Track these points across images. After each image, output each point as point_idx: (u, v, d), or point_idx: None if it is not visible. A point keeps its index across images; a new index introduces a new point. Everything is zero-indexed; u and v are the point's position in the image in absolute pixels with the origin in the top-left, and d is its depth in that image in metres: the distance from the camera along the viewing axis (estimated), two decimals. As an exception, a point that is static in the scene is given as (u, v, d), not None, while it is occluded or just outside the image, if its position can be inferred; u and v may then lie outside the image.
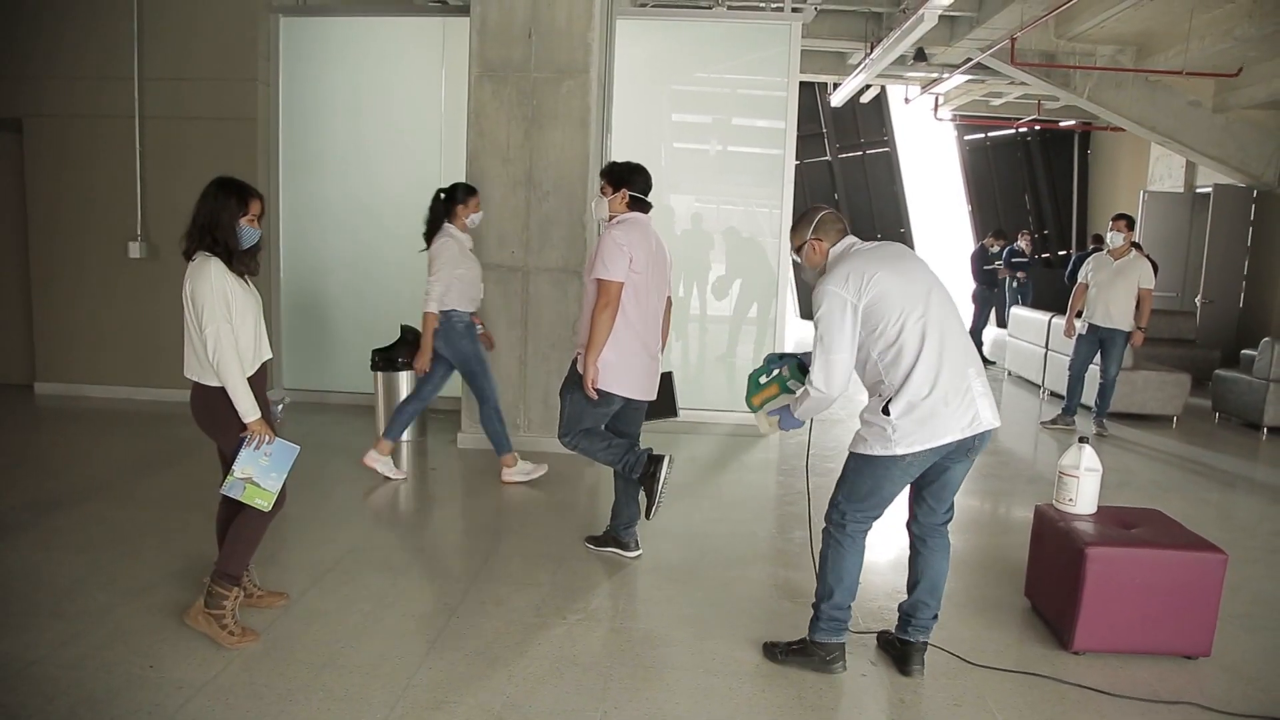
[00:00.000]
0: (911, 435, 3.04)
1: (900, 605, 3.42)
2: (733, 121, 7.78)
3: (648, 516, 4.25)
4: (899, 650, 3.39)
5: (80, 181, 7.35)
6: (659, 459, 4.16)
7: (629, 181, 4.17)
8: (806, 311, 15.61)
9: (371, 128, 7.45)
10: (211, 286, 3.20)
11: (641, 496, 4.31)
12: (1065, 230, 17.26)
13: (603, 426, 4.27)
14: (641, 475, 4.17)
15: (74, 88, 7.25)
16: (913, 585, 3.37)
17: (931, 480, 3.24)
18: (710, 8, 9.53)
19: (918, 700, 3.19)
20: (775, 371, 3.60)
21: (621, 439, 4.25)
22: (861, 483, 3.19)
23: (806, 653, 3.34)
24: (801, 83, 7.88)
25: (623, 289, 4.01)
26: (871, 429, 3.13)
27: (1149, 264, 7.51)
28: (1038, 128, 16.36)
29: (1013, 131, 17.10)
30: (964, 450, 3.13)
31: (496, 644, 3.46)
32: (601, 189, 4.23)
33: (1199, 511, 5.57)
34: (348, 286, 7.57)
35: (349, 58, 7.42)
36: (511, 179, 6.14)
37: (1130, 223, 7.55)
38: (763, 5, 9.82)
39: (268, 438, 3.32)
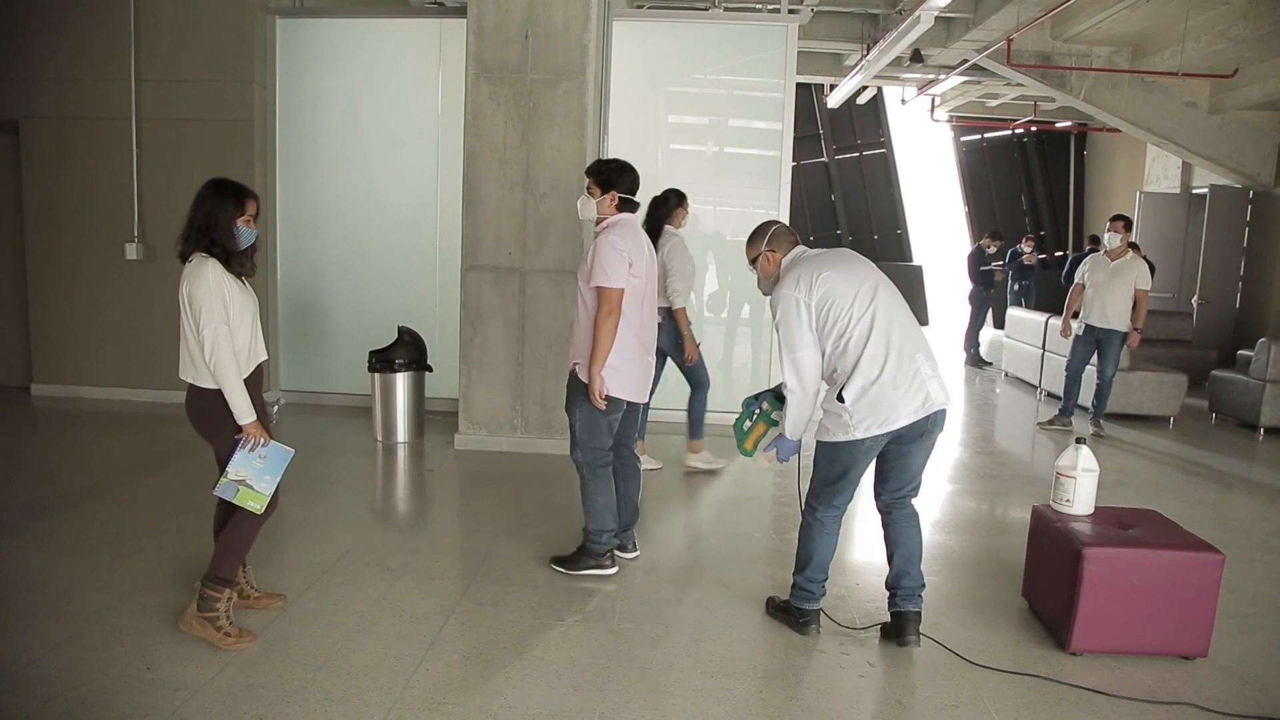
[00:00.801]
0: (867, 420, 3.27)
1: (886, 581, 3.61)
2: (729, 123, 7.78)
3: (555, 563, 4.23)
4: (894, 622, 3.55)
5: (76, 183, 7.34)
6: (610, 558, 4.18)
7: (616, 182, 4.03)
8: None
9: (368, 129, 7.44)
10: (209, 288, 3.19)
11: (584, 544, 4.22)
12: (1062, 231, 17.29)
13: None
14: (584, 546, 4.18)
15: (70, 89, 7.24)
16: (890, 556, 3.57)
17: (890, 462, 3.45)
18: (706, 9, 9.54)
19: (914, 701, 3.19)
20: (757, 411, 3.79)
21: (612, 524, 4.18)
22: (830, 469, 3.44)
23: (787, 611, 3.70)
24: (798, 84, 7.88)
25: (624, 296, 3.90)
26: (830, 417, 3.38)
27: (1146, 265, 7.52)
28: (1034, 129, 16.40)
29: (1009, 132, 17.13)
30: (918, 432, 3.33)
31: (493, 646, 3.46)
32: (588, 189, 4.07)
33: (1196, 512, 5.58)
34: (344, 288, 7.56)
35: (345, 59, 7.41)
36: (508, 180, 6.15)
37: (1128, 224, 7.56)
38: (759, 7, 9.85)
39: (263, 440, 3.31)
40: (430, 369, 6.64)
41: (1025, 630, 3.77)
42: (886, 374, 3.24)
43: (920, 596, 3.53)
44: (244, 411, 3.26)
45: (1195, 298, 11.58)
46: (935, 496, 5.77)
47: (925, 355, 3.34)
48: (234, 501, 3.31)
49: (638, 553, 4.40)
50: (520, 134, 6.12)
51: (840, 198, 17.44)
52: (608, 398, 3.97)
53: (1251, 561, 4.71)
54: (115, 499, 5.07)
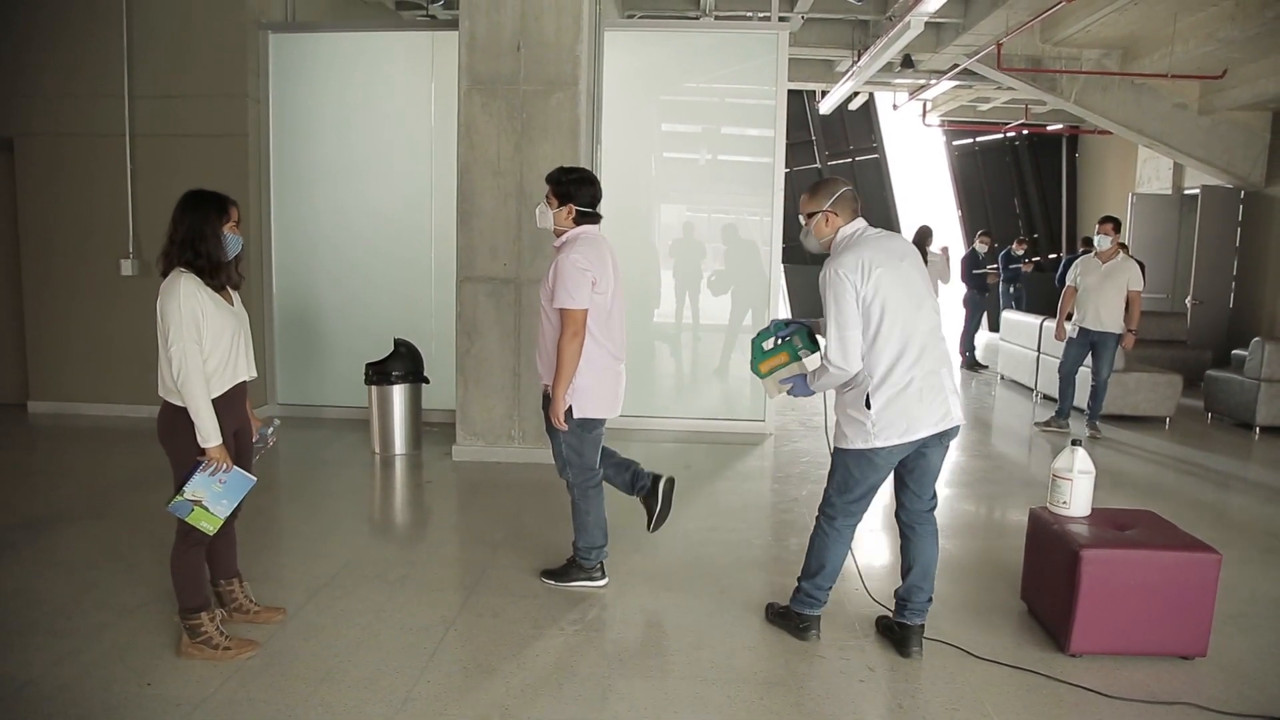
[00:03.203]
0: (889, 429, 3.27)
1: (896, 591, 3.60)
2: (722, 130, 7.81)
3: (545, 575, 4.23)
4: (898, 634, 3.56)
5: (72, 200, 7.34)
6: (600, 571, 4.18)
7: (574, 195, 3.89)
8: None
9: (362, 142, 7.45)
10: (180, 304, 3.14)
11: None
12: (1055, 234, 17.34)
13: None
14: (574, 560, 4.19)
15: (65, 106, 7.25)
16: (906, 571, 3.56)
17: (911, 468, 3.45)
18: (697, 18, 9.58)
19: (915, 705, 3.20)
20: (783, 339, 3.60)
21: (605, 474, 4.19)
22: (848, 476, 3.42)
23: (786, 617, 3.70)
24: (790, 91, 7.92)
25: (588, 314, 3.80)
26: (852, 424, 3.35)
27: (1138, 266, 7.53)
28: (1026, 132, 16.45)
29: (1001, 136, 17.19)
30: (937, 439, 3.36)
31: (494, 656, 3.46)
32: (547, 198, 3.96)
33: (1193, 512, 5.59)
34: (340, 300, 7.56)
35: (338, 73, 7.43)
36: (503, 191, 6.16)
37: (1117, 225, 7.57)
38: (750, 15, 9.89)
39: (224, 466, 3.26)
40: (427, 380, 6.64)
41: (1024, 632, 3.78)
42: (914, 386, 3.24)
43: (926, 610, 3.55)
44: (209, 433, 3.20)
45: (1189, 298, 11.62)
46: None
47: (949, 371, 3.37)
48: (187, 520, 3.25)
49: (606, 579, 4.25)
50: (514, 145, 6.14)
51: (834, 203, 17.45)
52: (586, 419, 3.94)
53: (1249, 561, 4.72)
54: (114, 515, 5.06)
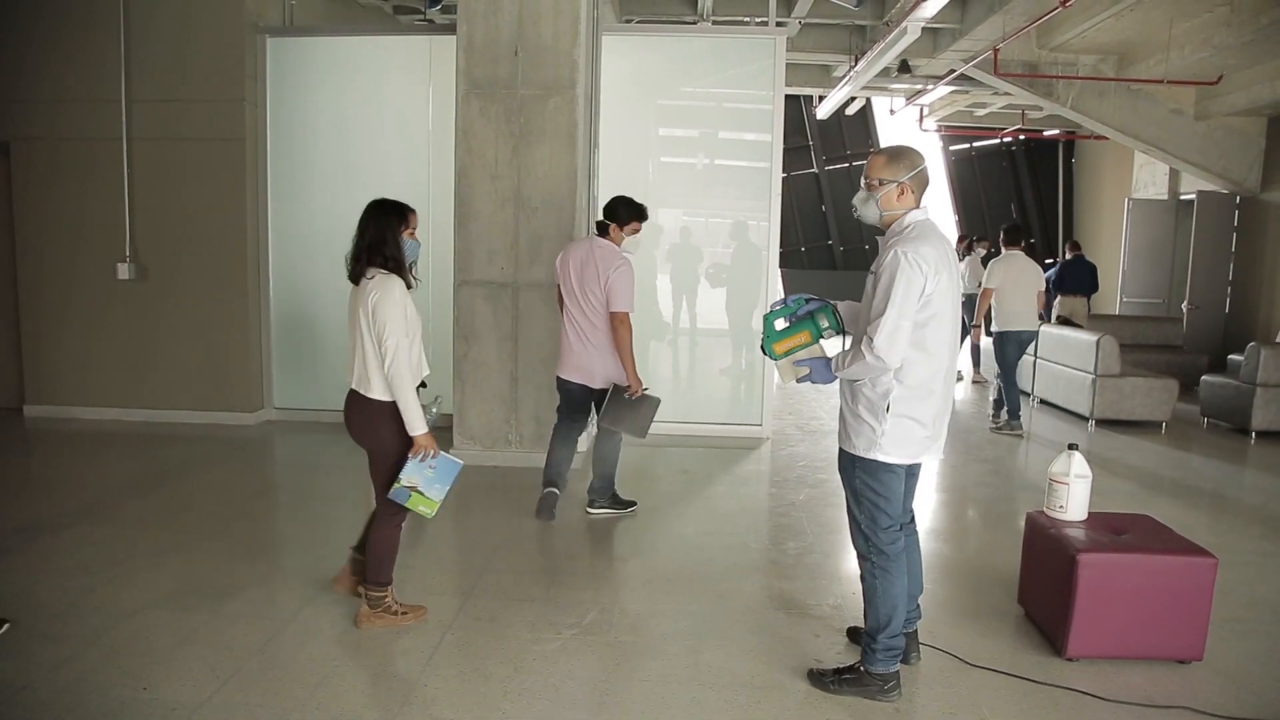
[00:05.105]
0: (895, 448, 3.11)
1: None
2: (719, 135, 7.83)
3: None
4: None
5: (68, 204, 7.33)
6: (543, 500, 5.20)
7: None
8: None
9: (359, 146, 7.45)
10: (396, 301, 3.46)
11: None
12: (1052, 239, 17.38)
13: (587, 412, 5.25)
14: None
15: (61, 110, 7.24)
16: None
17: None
18: (695, 23, 9.60)
19: (912, 709, 3.20)
20: (804, 315, 3.30)
21: (559, 465, 5.25)
22: (874, 496, 3.18)
23: (863, 683, 3.24)
24: (787, 96, 7.94)
25: (559, 291, 5.05)
26: (861, 428, 3.14)
27: (979, 263, 7.79)
28: (1022, 137, 16.49)
29: (998, 141, 17.24)
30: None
31: (491, 660, 3.46)
32: None
33: (1189, 516, 5.60)
34: (337, 304, 7.50)
35: (336, 77, 7.43)
36: (500, 195, 6.17)
37: (1004, 230, 8.04)
38: (747, 20, 9.91)
39: (432, 452, 3.52)
40: (424, 385, 6.62)
41: (1021, 637, 3.79)
42: (931, 413, 3.10)
43: (917, 619, 3.53)
44: (417, 422, 3.50)
45: (1185, 303, 11.65)
46: (929, 504, 5.79)
47: (951, 407, 3.28)
48: (406, 506, 3.56)
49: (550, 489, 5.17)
50: (511, 149, 6.15)
51: (831, 208, 17.54)
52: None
53: (1245, 565, 4.73)
54: (110, 520, 5.06)
